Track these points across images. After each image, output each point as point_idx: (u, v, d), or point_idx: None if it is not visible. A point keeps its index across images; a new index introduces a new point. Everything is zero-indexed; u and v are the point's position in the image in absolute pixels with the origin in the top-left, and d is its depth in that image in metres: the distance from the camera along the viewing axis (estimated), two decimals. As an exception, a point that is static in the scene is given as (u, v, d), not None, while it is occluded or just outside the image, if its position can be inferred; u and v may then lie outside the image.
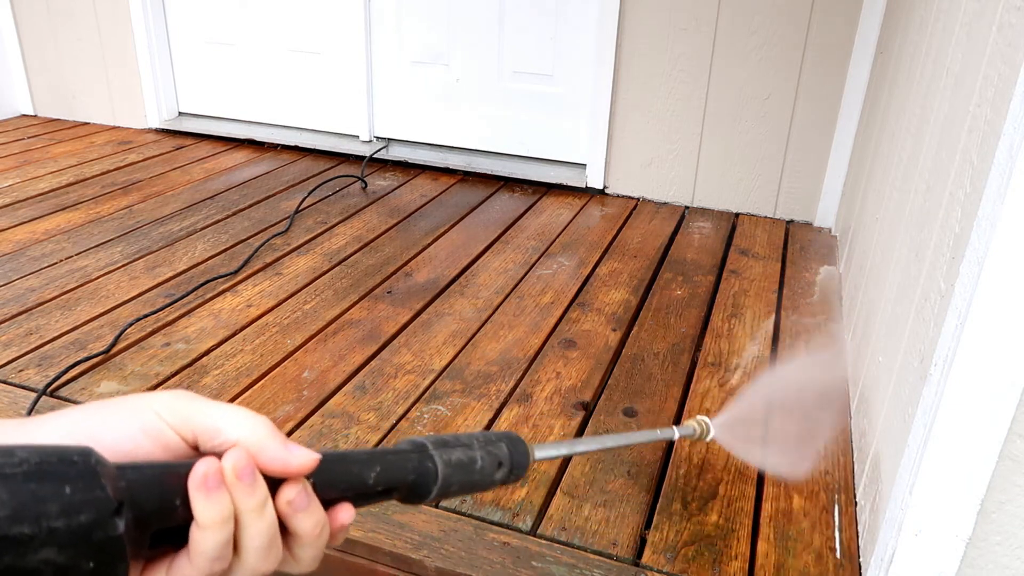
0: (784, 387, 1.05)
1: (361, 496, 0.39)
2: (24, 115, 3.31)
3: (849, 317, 1.68)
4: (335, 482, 0.38)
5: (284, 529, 0.36)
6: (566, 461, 1.24)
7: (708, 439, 0.65)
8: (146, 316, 1.63)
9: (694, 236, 2.24)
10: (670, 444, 1.29)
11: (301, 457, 0.35)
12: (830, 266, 1.28)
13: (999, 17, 0.88)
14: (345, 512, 0.38)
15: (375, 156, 2.79)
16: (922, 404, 0.87)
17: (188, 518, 0.33)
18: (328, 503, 0.37)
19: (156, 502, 0.32)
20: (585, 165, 2.59)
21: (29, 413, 1.30)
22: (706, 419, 0.65)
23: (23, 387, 1.38)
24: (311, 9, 2.80)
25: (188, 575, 0.33)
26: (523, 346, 1.58)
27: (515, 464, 0.45)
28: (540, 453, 0.47)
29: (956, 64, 1.08)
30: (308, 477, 0.36)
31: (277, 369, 1.47)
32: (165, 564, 0.34)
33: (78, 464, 0.29)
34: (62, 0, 3.06)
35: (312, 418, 1.32)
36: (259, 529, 0.34)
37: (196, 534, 0.33)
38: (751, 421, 0.75)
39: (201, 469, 0.33)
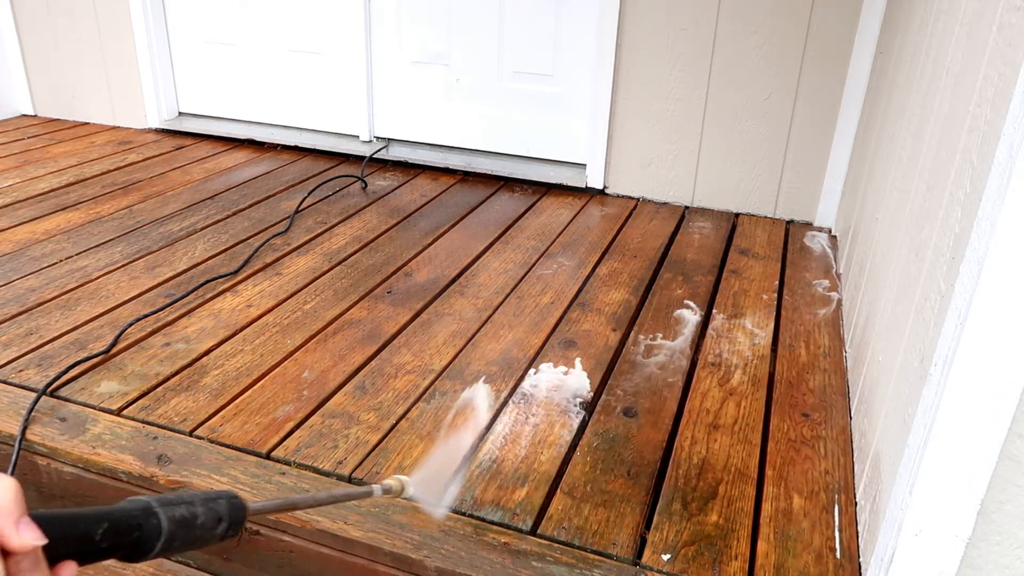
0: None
1: (87, 553, 0.41)
2: (24, 115, 3.31)
3: (849, 317, 1.68)
4: (64, 540, 0.40)
5: None
6: (567, 460, 1.24)
7: (406, 496, 0.68)
8: (146, 316, 1.63)
9: (694, 236, 2.24)
10: (670, 444, 1.29)
11: (26, 540, 0.38)
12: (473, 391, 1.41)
13: (999, 17, 0.88)
14: (67, 570, 0.40)
15: (375, 156, 2.79)
16: (922, 404, 0.87)
17: None
18: (54, 560, 0.40)
19: None
20: (585, 165, 2.59)
21: (29, 413, 1.30)
22: (404, 478, 0.68)
23: (23, 387, 1.39)
24: (311, 9, 2.80)
25: None
26: (523, 346, 1.58)
27: (233, 519, 0.48)
28: (255, 507, 0.51)
29: (956, 64, 1.08)
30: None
31: (277, 369, 1.47)
32: None
33: None
34: (62, 0, 3.06)
35: (312, 418, 1.33)
36: None
37: None
38: (442, 477, 0.81)
39: None
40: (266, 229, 2.16)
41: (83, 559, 0.41)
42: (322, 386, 1.42)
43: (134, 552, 0.44)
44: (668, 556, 1.05)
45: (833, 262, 2.08)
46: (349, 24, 2.75)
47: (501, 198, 2.51)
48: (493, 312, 1.73)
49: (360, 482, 1.18)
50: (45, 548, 0.39)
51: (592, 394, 1.43)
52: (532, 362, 1.53)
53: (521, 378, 1.47)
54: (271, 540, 1.14)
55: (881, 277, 1.37)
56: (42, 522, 0.39)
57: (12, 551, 0.38)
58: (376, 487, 0.64)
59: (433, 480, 0.76)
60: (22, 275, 1.82)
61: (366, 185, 2.57)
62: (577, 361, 1.53)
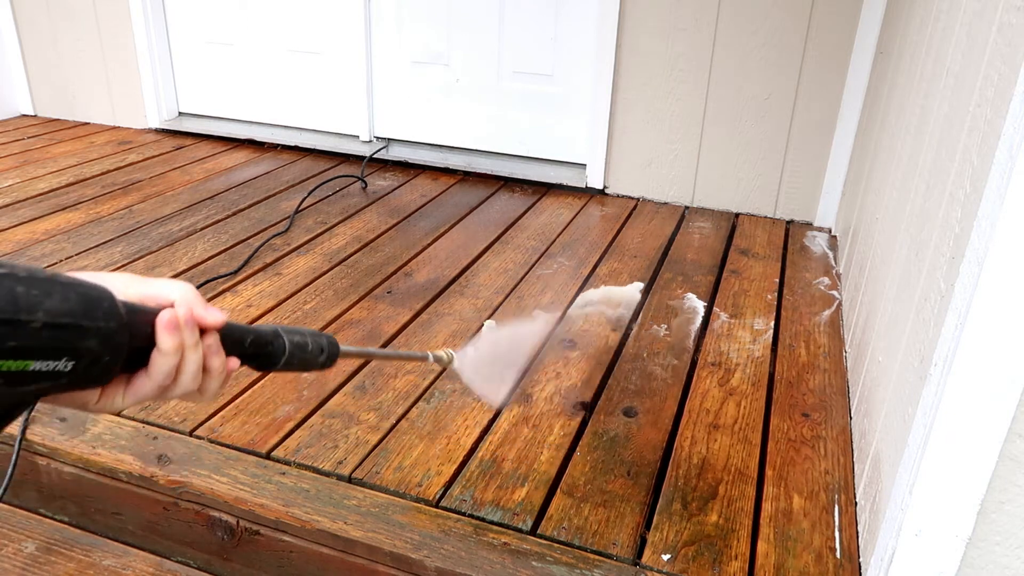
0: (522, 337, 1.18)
1: (240, 355, 0.53)
2: (24, 115, 3.31)
3: (849, 317, 1.68)
4: (229, 338, 0.52)
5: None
6: (567, 460, 1.24)
7: (453, 367, 0.79)
8: (146, 316, 1.63)
9: (694, 236, 2.24)
10: (670, 444, 1.29)
11: (215, 316, 0.50)
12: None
13: (999, 17, 0.88)
14: (233, 362, 0.53)
15: (375, 156, 2.79)
16: (922, 404, 0.87)
17: (152, 345, 0.46)
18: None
19: (139, 328, 0.45)
20: (585, 165, 2.59)
21: (29, 413, 1.30)
22: (453, 352, 0.80)
23: (23, 387, 1.38)
24: (311, 9, 2.80)
25: (145, 389, 0.48)
26: (523, 346, 1.58)
27: (330, 353, 0.61)
28: (343, 348, 0.64)
29: (956, 64, 1.08)
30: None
31: (277, 369, 1.47)
32: (123, 383, 0.48)
33: (109, 294, 0.42)
34: (62, 0, 3.06)
35: (312, 418, 1.33)
36: (193, 359, 0.49)
37: (157, 358, 0.47)
38: (491, 362, 0.87)
39: (166, 315, 0.47)
40: (266, 229, 2.16)
41: (242, 359, 0.54)
42: (322, 386, 1.42)
43: (267, 362, 0.56)
44: (668, 556, 1.05)
45: (833, 262, 2.08)
46: (349, 24, 2.75)
47: (501, 198, 2.51)
48: (493, 312, 1.73)
49: (360, 482, 1.18)
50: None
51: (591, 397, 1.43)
52: (532, 362, 1.53)
53: (521, 378, 1.47)
54: (271, 540, 1.14)
55: (881, 277, 1.37)
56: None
57: (207, 328, 0.50)
58: (430, 354, 0.77)
59: (487, 367, 0.83)
60: (22, 275, 1.82)
61: (366, 185, 2.57)
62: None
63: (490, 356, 0.85)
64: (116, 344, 0.41)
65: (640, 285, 1.69)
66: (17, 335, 0.34)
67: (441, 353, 0.78)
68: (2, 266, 0.36)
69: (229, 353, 0.52)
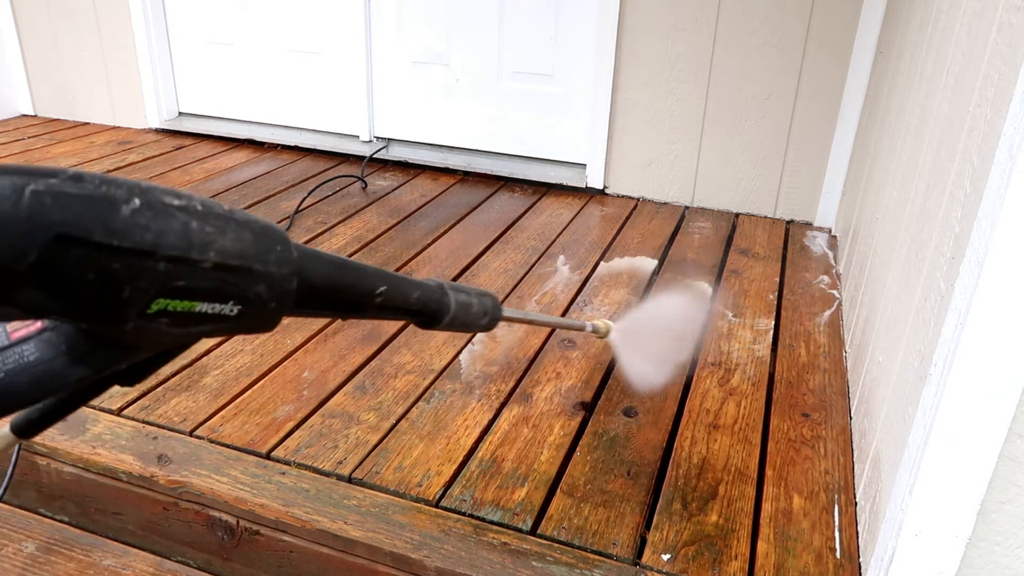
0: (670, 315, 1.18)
1: (403, 309, 0.50)
2: (24, 115, 3.31)
3: (849, 317, 1.68)
4: (397, 292, 0.49)
5: None
6: (567, 460, 1.24)
7: (608, 339, 0.79)
8: (146, 316, 1.63)
9: (694, 236, 2.24)
10: (670, 444, 1.29)
11: None
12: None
13: (999, 17, 0.88)
14: None
15: (375, 156, 2.79)
16: (922, 404, 0.87)
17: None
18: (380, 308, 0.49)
19: (308, 276, 0.41)
20: (585, 165, 2.59)
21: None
22: (612, 324, 0.79)
23: (23, 387, 1.38)
24: (311, 9, 2.80)
25: None
26: (523, 346, 1.58)
27: (493, 316, 0.59)
28: (506, 313, 0.61)
29: (956, 64, 1.08)
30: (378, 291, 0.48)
31: (277, 369, 1.47)
32: None
33: (284, 236, 0.39)
34: (62, 0, 3.06)
35: (312, 418, 1.33)
36: None
37: None
38: (643, 337, 0.87)
39: None
40: (266, 229, 2.16)
41: (401, 314, 0.52)
42: (322, 386, 1.42)
43: (431, 320, 0.54)
44: (668, 556, 1.05)
45: (833, 262, 2.08)
46: (349, 24, 2.75)
47: (501, 198, 2.51)
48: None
49: (360, 482, 1.18)
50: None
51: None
52: (532, 362, 1.53)
53: (521, 377, 1.47)
54: (271, 540, 1.14)
55: (881, 277, 1.37)
56: (385, 279, 0.48)
57: None
58: (588, 324, 0.77)
59: (644, 349, 0.85)
60: (22, 275, 1.82)
61: (366, 185, 2.57)
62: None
63: (648, 335, 0.86)
64: (285, 291, 0.38)
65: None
66: (186, 275, 0.32)
67: (599, 323, 0.78)
68: (179, 197, 0.33)
69: (394, 307, 0.50)
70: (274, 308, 0.37)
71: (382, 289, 0.47)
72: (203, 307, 0.33)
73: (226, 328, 0.36)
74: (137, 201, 0.30)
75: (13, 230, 0.27)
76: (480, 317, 0.58)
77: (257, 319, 0.37)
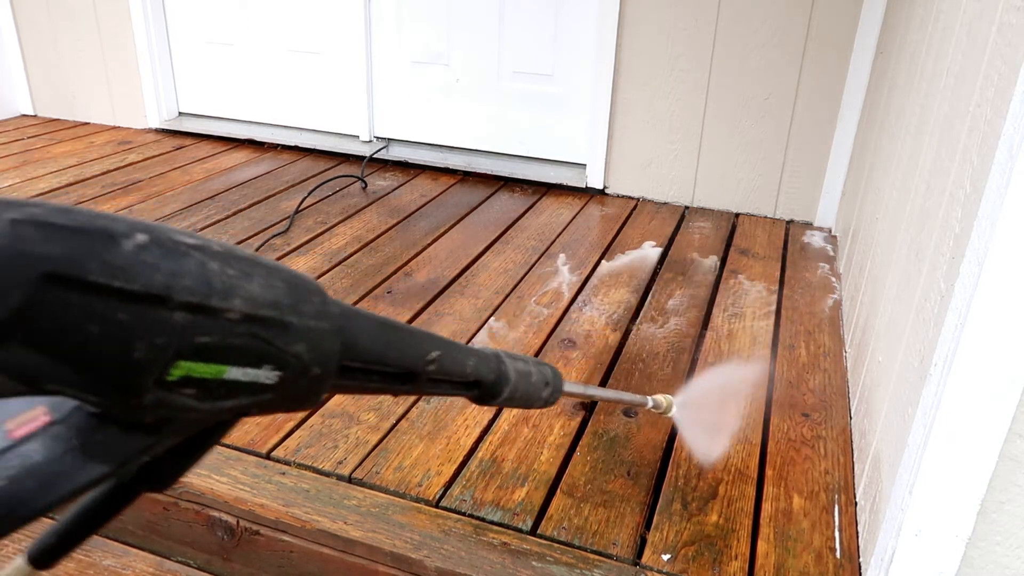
0: (727, 385, 1.18)
1: (461, 384, 0.44)
2: (24, 115, 3.31)
3: (849, 317, 1.68)
4: (451, 360, 0.43)
5: None
6: (567, 460, 1.24)
7: (669, 415, 0.78)
8: (146, 316, 1.63)
9: (694, 236, 2.24)
10: (670, 444, 1.29)
11: None
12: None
13: (999, 17, 0.88)
14: None
15: (375, 156, 2.79)
16: (922, 404, 0.87)
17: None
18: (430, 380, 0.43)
19: (351, 336, 0.35)
20: (585, 165, 2.59)
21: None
22: (672, 399, 0.77)
23: (23, 387, 1.38)
24: (311, 9, 2.80)
25: None
26: (523, 346, 1.58)
27: (554, 388, 0.52)
28: (567, 387, 0.55)
29: (956, 64, 1.08)
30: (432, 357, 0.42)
31: (277, 369, 1.47)
32: None
33: (319, 287, 0.33)
34: (62, 0, 3.06)
35: (312, 418, 1.33)
36: None
37: None
38: (703, 408, 0.88)
39: None
40: (266, 229, 2.16)
41: (457, 387, 0.45)
42: (322, 386, 1.42)
43: (490, 394, 0.47)
44: (668, 556, 1.05)
45: (833, 262, 2.08)
46: (349, 24, 2.75)
47: (501, 198, 2.51)
48: (493, 312, 1.73)
49: (360, 482, 1.18)
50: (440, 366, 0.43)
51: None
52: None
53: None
54: (271, 540, 1.14)
55: (881, 277, 1.37)
56: (437, 343, 0.42)
57: None
58: (649, 399, 0.75)
59: (704, 423, 0.85)
60: (22, 275, 1.82)
61: (366, 185, 2.57)
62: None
63: (706, 408, 0.86)
64: (328, 353, 0.31)
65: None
66: (210, 328, 0.26)
67: (660, 399, 0.76)
68: (192, 236, 0.27)
69: (449, 377, 0.43)
70: (316, 375, 0.31)
71: (435, 355, 0.41)
72: (234, 372, 0.27)
73: (265, 402, 0.29)
74: (141, 236, 0.25)
75: None
76: (541, 388, 0.51)
77: (299, 388, 0.31)
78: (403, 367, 0.38)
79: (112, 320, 0.23)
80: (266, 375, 0.29)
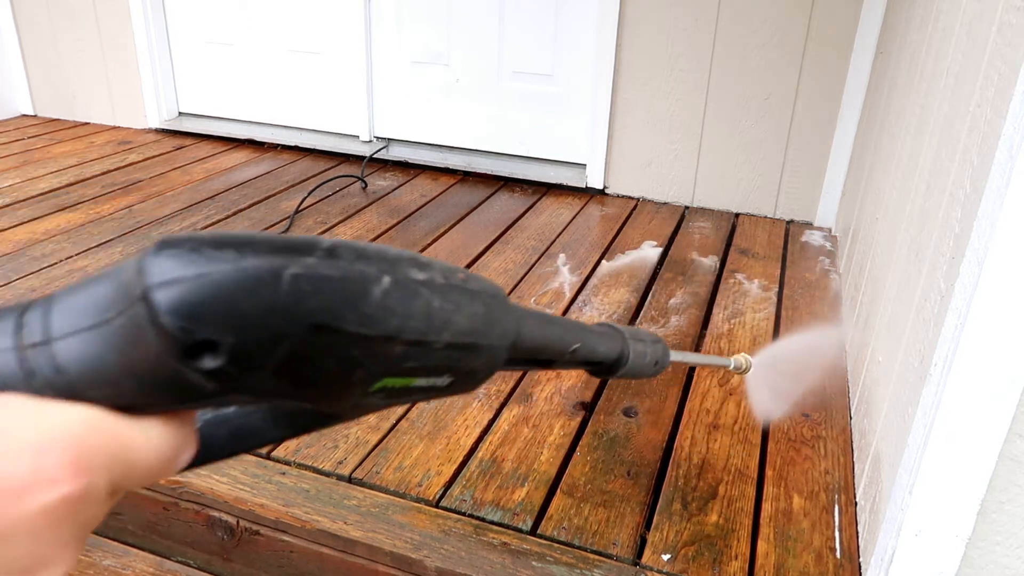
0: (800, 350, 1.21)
1: (585, 362, 0.48)
2: (24, 115, 3.31)
3: (849, 317, 1.68)
4: (587, 347, 0.47)
5: None
6: (567, 460, 1.24)
7: (745, 374, 0.83)
8: (146, 316, 1.63)
9: (694, 236, 2.24)
10: (670, 444, 1.29)
11: None
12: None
13: (999, 17, 0.88)
14: None
15: (375, 156, 2.79)
16: (922, 404, 0.87)
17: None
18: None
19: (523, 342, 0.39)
20: (585, 165, 2.59)
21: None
22: (752, 360, 0.82)
23: (23, 387, 1.38)
24: (311, 9, 2.80)
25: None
26: (523, 346, 1.58)
27: (661, 364, 0.58)
28: (673, 356, 0.60)
29: (956, 64, 1.08)
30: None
31: (277, 369, 1.47)
32: None
33: (505, 302, 0.35)
34: (62, 0, 3.06)
35: (312, 418, 1.32)
36: None
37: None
38: (778, 372, 0.91)
39: None
40: (266, 229, 2.16)
41: (582, 366, 0.49)
42: (322, 386, 1.42)
43: (607, 371, 0.52)
44: (668, 556, 1.05)
45: (833, 262, 2.08)
46: (349, 24, 2.75)
47: (501, 198, 2.51)
48: (493, 312, 1.73)
49: (360, 482, 1.18)
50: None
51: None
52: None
53: (521, 377, 1.47)
54: (271, 540, 1.14)
55: (881, 277, 1.37)
56: (579, 334, 0.45)
57: None
58: (730, 360, 0.80)
59: (777, 385, 0.88)
60: (22, 275, 1.82)
61: (366, 185, 2.57)
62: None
63: (781, 369, 0.90)
64: (498, 362, 0.35)
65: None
66: (418, 356, 0.29)
67: (740, 359, 0.82)
68: (423, 269, 0.30)
69: (580, 361, 0.47)
70: (481, 376, 0.34)
71: (576, 347, 0.45)
72: (420, 382, 0.31)
73: (429, 397, 0.33)
74: (387, 280, 0.28)
75: (270, 322, 0.24)
76: (651, 366, 0.56)
77: (463, 387, 0.34)
78: (548, 358, 0.42)
79: (347, 355, 0.27)
80: (442, 381, 0.32)
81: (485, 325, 0.33)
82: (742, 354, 0.83)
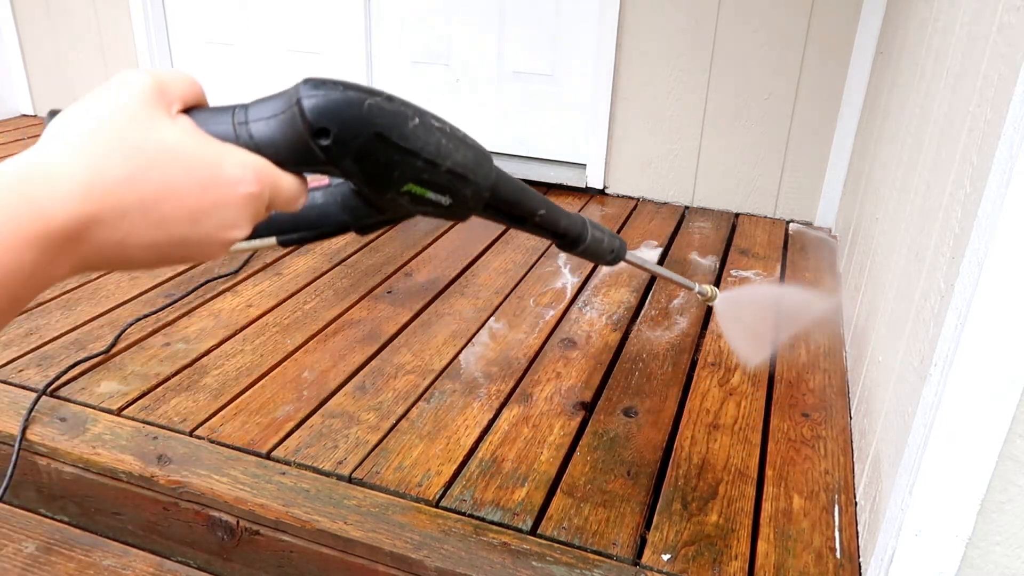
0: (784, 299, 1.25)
1: (550, 232, 0.67)
2: (24, 115, 3.31)
3: (849, 317, 1.68)
4: (550, 220, 0.66)
5: None
6: (567, 460, 1.24)
7: (711, 304, 0.92)
8: (146, 316, 1.63)
9: (694, 236, 2.24)
10: (670, 444, 1.29)
11: None
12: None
13: (999, 17, 0.88)
14: None
15: (375, 156, 2.79)
16: (922, 404, 0.87)
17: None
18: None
19: (502, 190, 0.57)
20: (585, 165, 2.59)
21: (29, 413, 1.30)
22: (719, 292, 0.91)
23: (23, 387, 1.39)
24: (311, 9, 2.80)
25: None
26: (523, 346, 1.58)
27: (618, 255, 0.75)
28: (628, 256, 0.77)
29: (956, 64, 1.08)
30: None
31: (277, 369, 1.47)
32: None
33: (490, 159, 0.52)
34: (62, 0, 3.06)
35: (312, 418, 1.33)
36: None
37: None
38: (748, 310, 0.95)
39: None
40: (266, 229, 2.15)
41: (550, 234, 0.68)
42: (322, 386, 1.42)
43: (570, 245, 0.71)
44: (668, 556, 1.05)
45: (833, 262, 2.08)
46: (349, 24, 2.75)
47: (501, 198, 2.50)
48: (493, 312, 1.73)
49: (360, 482, 1.18)
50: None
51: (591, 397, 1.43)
52: (532, 362, 1.53)
53: (521, 377, 1.47)
54: (271, 540, 1.14)
55: (881, 277, 1.37)
56: (546, 205, 0.64)
57: None
58: (696, 285, 0.91)
59: (748, 319, 0.94)
60: (22, 275, 1.82)
61: (366, 185, 2.56)
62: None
63: (753, 309, 0.94)
64: (482, 197, 0.52)
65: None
66: (431, 172, 0.46)
67: (707, 288, 0.89)
68: (438, 120, 0.47)
69: (547, 227, 0.65)
70: (471, 207, 0.52)
71: (543, 212, 0.62)
72: (431, 195, 0.48)
73: (437, 212, 0.50)
74: (417, 119, 0.45)
75: (355, 126, 0.42)
76: (608, 253, 0.73)
77: (458, 212, 0.51)
78: (520, 214, 0.60)
79: (392, 158, 0.44)
80: (445, 200, 0.49)
81: (475, 164, 0.50)
82: (709, 285, 0.92)
